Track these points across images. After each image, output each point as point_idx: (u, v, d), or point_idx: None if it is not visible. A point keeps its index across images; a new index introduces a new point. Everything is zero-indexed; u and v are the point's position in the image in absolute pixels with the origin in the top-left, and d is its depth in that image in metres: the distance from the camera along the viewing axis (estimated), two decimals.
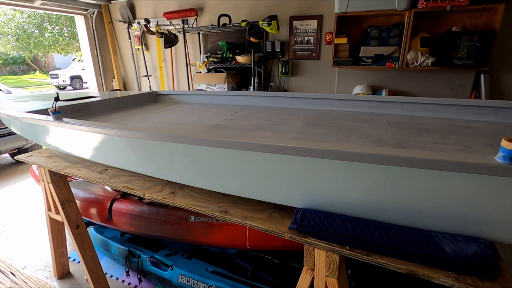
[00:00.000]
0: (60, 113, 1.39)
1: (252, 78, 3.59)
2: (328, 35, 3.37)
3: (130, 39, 4.81)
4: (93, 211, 1.99)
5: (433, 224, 0.82)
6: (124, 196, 1.94)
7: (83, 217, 1.97)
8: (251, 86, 3.70)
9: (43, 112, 1.55)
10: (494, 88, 2.86)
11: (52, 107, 1.38)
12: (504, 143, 0.66)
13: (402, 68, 2.89)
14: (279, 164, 0.92)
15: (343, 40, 3.04)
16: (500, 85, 2.87)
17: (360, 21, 3.13)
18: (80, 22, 4.83)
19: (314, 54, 3.57)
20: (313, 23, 3.45)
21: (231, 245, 1.56)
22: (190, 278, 1.69)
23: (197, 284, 1.67)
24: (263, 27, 3.31)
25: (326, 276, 0.93)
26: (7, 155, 4.49)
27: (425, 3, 2.53)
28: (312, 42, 3.53)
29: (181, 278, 1.72)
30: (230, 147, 0.96)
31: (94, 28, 4.82)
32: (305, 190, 0.93)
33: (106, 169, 1.52)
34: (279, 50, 3.63)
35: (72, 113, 1.76)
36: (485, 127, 1.42)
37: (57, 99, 1.40)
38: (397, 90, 3.23)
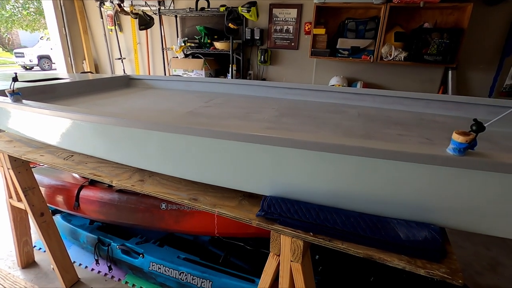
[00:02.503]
0: (19, 95, 1.30)
1: (230, 65, 3.54)
2: (307, 25, 3.37)
3: (102, 18, 4.53)
4: (60, 198, 1.91)
5: (390, 211, 0.86)
6: (93, 183, 1.88)
7: (49, 204, 1.89)
8: (229, 73, 3.65)
9: (0, 93, 1.44)
10: (460, 84, 3.02)
11: (10, 88, 1.29)
12: (455, 136, 0.70)
13: (377, 62, 2.97)
14: (247, 152, 0.93)
15: (322, 31, 3.06)
16: (466, 81, 3.04)
17: (338, 13, 3.16)
18: None
19: (293, 44, 3.56)
20: (293, 12, 3.43)
21: (201, 233, 1.57)
22: (162, 266, 1.69)
23: (168, 271, 1.67)
24: (242, 13, 3.24)
25: (291, 261, 0.97)
26: None
27: None
28: (291, 32, 3.52)
29: (152, 265, 1.71)
30: (200, 135, 0.95)
31: (62, 4, 4.50)
32: (273, 178, 0.95)
33: (72, 155, 1.45)
34: (258, 38, 3.59)
35: (34, 95, 1.66)
36: (448, 121, 1.51)
37: (15, 79, 1.30)
38: (371, 83, 3.32)
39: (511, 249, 2.34)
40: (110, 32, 4.64)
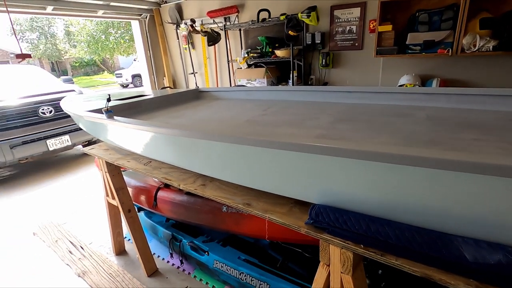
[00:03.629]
0: (111, 112, 1.59)
1: (291, 71, 3.57)
2: (372, 23, 3.17)
3: (178, 39, 5.13)
4: (142, 198, 2.24)
5: (454, 228, 0.77)
6: (167, 186, 2.14)
7: (134, 202, 2.23)
8: (290, 80, 3.68)
9: (99, 111, 1.79)
10: None
11: (105, 107, 1.59)
12: None
13: (457, 55, 2.59)
14: (295, 161, 0.95)
15: (388, 27, 2.84)
16: None
17: (407, 6, 2.88)
18: (135, 26, 5.31)
19: (356, 44, 3.40)
20: (356, 11, 3.28)
21: (254, 236, 1.63)
22: (224, 264, 1.82)
23: (229, 270, 1.78)
24: (302, 19, 3.25)
25: (341, 272, 0.94)
26: (80, 146, 5.22)
27: None
28: (354, 31, 3.36)
29: (216, 263, 1.85)
30: (251, 144, 1.01)
31: (147, 31, 5.26)
32: (321, 187, 0.95)
33: (150, 162, 1.70)
34: (319, 41, 3.54)
35: (123, 111, 1.99)
36: None
37: (108, 99, 1.60)
38: (451, 79, 2.92)
39: None
40: (185, 50, 5.21)
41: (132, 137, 1.59)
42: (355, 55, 3.46)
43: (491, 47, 2.44)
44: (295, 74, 3.61)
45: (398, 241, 0.80)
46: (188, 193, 1.97)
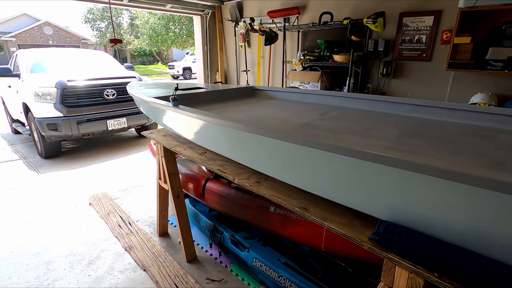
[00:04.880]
0: (177, 101, 1.67)
1: (348, 78, 3.45)
2: (446, 33, 2.92)
3: (235, 36, 5.26)
4: (191, 186, 2.32)
5: None
6: (217, 177, 2.20)
7: (182, 189, 2.32)
8: (345, 86, 3.56)
9: (165, 98, 1.88)
10: None
11: (172, 95, 1.67)
12: None
13: None
14: (366, 171, 0.90)
15: (466, 40, 2.59)
16: None
17: (492, 17, 2.60)
18: (197, 22, 5.56)
19: (424, 55, 3.16)
20: (428, 20, 3.05)
21: (305, 242, 1.59)
22: (263, 264, 1.81)
23: (268, 271, 1.77)
24: (367, 24, 3.12)
25: None
26: (133, 129, 5.62)
27: None
28: (423, 41, 3.13)
29: (255, 261, 1.85)
30: (317, 148, 0.98)
31: (207, 26, 5.47)
32: (394, 202, 0.89)
33: (205, 152, 1.75)
34: (382, 49, 3.36)
35: (184, 101, 2.08)
36: None
37: (176, 89, 1.68)
38: None
39: None
40: (240, 48, 5.32)
41: (193, 126, 1.65)
42: (421, 67, 3.23)
43: None
44: (352, 81, 3.48)
45: (486, 279, 0.71)
46: (237, 188, 2.00)
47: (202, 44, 5.59)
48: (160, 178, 2.23)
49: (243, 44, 5.12)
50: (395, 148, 1.19)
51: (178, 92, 2.12)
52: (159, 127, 4.69)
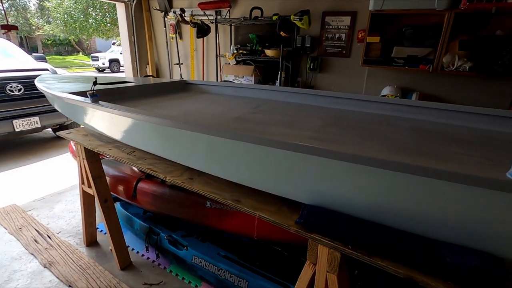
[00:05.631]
0: (96, 96, 1.52)
1: (279, 72, 3.60)
2: (361, 33, 3.28)
3: (165, 27, 4.98)
4: (120, 188, 2.15)
5: (439, 234, 0.82)
6: (149, 177, 2.08)
7: (111, 192, 2.14)
8: (277, 80, 3.71)
9: (82, 94, 1.69)
10: None
11: (91, 90, 1.51)
12: None
13: (437, 72, 2.75)
14: (290, 160, 0.96)
15: (376, 39, 2.95)
16: None
17: (395, 20, 3.01)
18: (120, 9, 5.08)
19: (344, 52, 3.49)
20: (346, 20, 3.37)
21: (241, 233, 1.63)
22: (203, 260, 1.80)
23: (208, 266, 1.77)
24: (294, 21, 3.29)
25: (327, 271, 0.97)
26: (50, 129, 4.91)
27: (467, 4, 2.38)
28: (343, 39, 3.46)
29: (194, 258, 1.83)
30: (245, 141, 1.01)
31: (132, 15, 5.05)
32: (315, 188, 0.97)
33: (134, 151, 1.64)
34: (309, 45, 3.59)
35: (107, 96, 1.90)
36: None
37: (95, 83, 1.53)
38: (429, 94, 3.09)
39: None
40: (171, 40, 5.07)
41: (117, 124, 1.52)
42: (342, 62, 3.56)
43: (467, 68, 2.62)
44: (283, 75, 3.65)
45: (386, 244, 0.84)
46: (171, 186, 1.93)
47: (129, 35, 5.16)
48: (83, 183, 2.01)
49: (174, 36, 4.89)
50: (317, 138, 1.29)
51: (99, 87, 1.93)
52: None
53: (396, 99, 1.83)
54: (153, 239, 2.06)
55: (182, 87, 2.65)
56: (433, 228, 0.82)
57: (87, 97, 1.54)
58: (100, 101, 1.52)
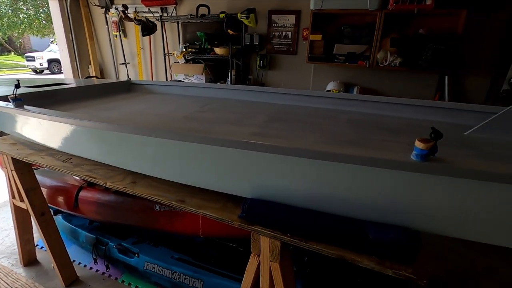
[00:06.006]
0: (20, 101, 1.38)
1: (230, 70, 3.61)
2: (305, 31, 3.42)
3: (107, 24, 4.67)
4: (60, 199, 1.99)
5: (364, 214, 0.90)
6: (92, 185, 1.95)
7: (50, 205, 1.97)
8: (228, 78, 3.72)
9: (3, 98, 1.53)
10: (457, 90, 3.03)
11: (13, 94, 1.37)
12: (417, 143, 0.74)
13: (373, 67, 3.00)
14: (229, 157, 0.98)
15: (318, 37, 3.11)
16: (462, 87, 3.05)
17: (335, 19, 3.21)
18: (54, 5, 4.64)
19: (291, 49, 3.62)
20: (291, 18, 3.49)
21: (188, 233, 1.62)
22: (156, 265, 1.75)
23: (162, 270, 1.73)
24: (241, 19, 3.32)
25: (270, 261, 1.01)
26: None
27: (394, 5, 2.63)
28: (290, 37, 3.58)
29: (147, 265, 1.77)
30: (184, 140, 1.00)
31: (68, 11, 4.64)
32: (255, 181, 1.00)
33: (71, 158, 1.52)
34: (257, 43, 3.66)
35: (36, 100, 1.74)
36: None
37: (17, 86, 1.39)
38: (368, 88, 3.35)
39: (507, 255, 2.33)
40: (115, 38, 4.77)
41: (49, 130, 1.41)
42: (290, 60, 3.69)
43: (398, 63, 2.90)
44: (234, 73, 3.66)
45: (320, 228, 0.90)
46: (116, 192, 1.83)
47: (65, 32, 4.73)
48: (14, 197, 1.82)
49: (117, 33, 4.61)
50: (259, 133, 1.33)
51: (24, 90, 1.75)
52: None
53: (336, 93, 1.95)
54: (101, 250, 1.94)
55: (127, 87, 2.52)
56: (360, 209, 0.90)
57: (8, 101, 1.39)
58: (25, 106, 1.39)
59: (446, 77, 2.94)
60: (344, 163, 0.81)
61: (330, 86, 3.30)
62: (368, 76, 3.33)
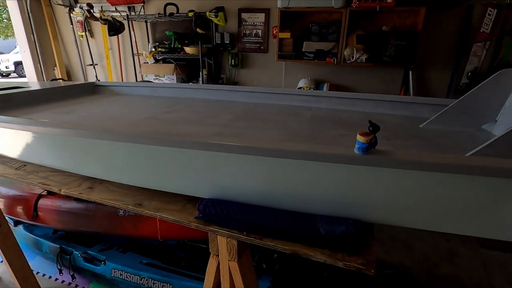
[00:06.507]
0: None
1: (201, 70, 3.57)
2: (275, 29, 3.44)
3: (72, 24, 4.47)
4: (19, 209, 1.89)
5: (315, 208, 0.92)
6: (52, 192, 1.87)
7: (7, 215, 1.87)
8: (200, 78, 3.67)
9: None
10: (420, 84, 3.17)
11: None
12: (358, 137, 0.76)
13: (341, 64, 3.07)
14: (184, 157, 0.96)
15: (287, 35, 3.14)
16: (425, 81, 3.19)
17: (303, 17, 3.25)
18: (12, 4, 4.38)
19: (262, 47, 3.63)
20: (261, 16, 3.50)
21: (148, 237, 1.59)
22: (123, 272, 1.70)
23: (130, 276, 1.68)
24: (210, 18, 3.28)
25: (229, 260, 1.01)
26: None
27: (358, 2, 2.70)
28: (260, 35, 3.59)
29: (114, 272, 1.72)
30: (137, 142, 0.98)
31: (29, 10, 4.40)
32: (211, 181, 0.99)
33: (25, 165, 1.45)
34: (228, 42, 3.63)
35: None
36: (393, 121, 1.59)
37: None
38: (337, 84, 3.43)
39: (468, 240, 2.46)
40: (81, 38, 4.58)
41: None
42: (261, 58, 3.70)
43: (364, 59, 2.98)
44: (205, 72, 3.62)
45: (273, 225, 0.90)
46: (79, 199, 1.76)
47: (27, 33, 4.47)
48: None
49: (83, 33, 4.42)
50: (221, 133, 1.32)
51: None
52: None
53: (301, 91, 1.98)
54: (66, 260, 1.86)
55: (91, 89, 2.43)
56: (312, 204, 0.92)
57: None
58: None
59: (411, 72, 3.06)
60: (291, 159, 0.82)
61: (301, 83, 3.35)
62: (337, 72, 3.40)
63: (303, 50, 3.14)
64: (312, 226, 0.88)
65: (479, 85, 1.40)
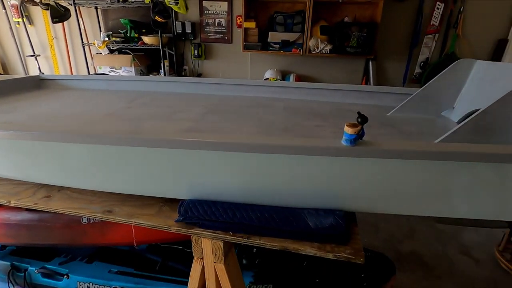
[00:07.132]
0: None
1: (162, 61, 3.36)
2: (239, 18, 3.35)
3: (5, 9, 3.90)
4: None
5: (302, 203, 0.91)
6: None
7: None
8: (161, 69, 3.46)
9: None
10: (380, 73, 3.34)
11: None
12: (345, 128, 0.75)
13: (306, 54, 3.10)
14: (157, 157, 0.88)
15: (252, 24, 3.08)
16: (384, 71, 3.37)
17: (267, 6, 3.21)
18: None
19: (226, 38, 3.52)
20: (224, 5, 3.38)
21: (122, 244, 1.48)
22: (91, 283, 1.56)
23: None
24: (170, 5, 3.08)
25: (214, 262, 0.96)
26: None
27: None
28: (223, 25, 3.47)
29: (80, 285, 1.57)
30: (103, 143, 0.87)
31: None
32: (189, 181, 0.93)
33: None
34: (190, 31, 3.46)
35: None
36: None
37: None
38: (303, 75, 3.47)
39: (425, 217, 2.69)
40: (17, 25, 4.02)
41: None
42: (226, 48, 3.59)
43: (328, 50, 3.04)
44: (167, 63, 3.42)
45: (260, 222, 0.87)
46: (30, 209, 1.55)
47: None
48: None
49: (20, 20, 3.89)
50: (195, 128, 1.25)
51: None
52: None
53: (271, 82, 1.95)
54: (19, 278, 1.65)
55: (36, 84, 2.15)
56: (295, 198, 0.90)
57: None
58: None
59: (370, 62, 3.20)
60: (277, 153, 0.79)
61: (268, 74, 3.32)
62: (302, 63, 3.44)
63: (268, 40, 3.10)
64: (301, 221, 0.86)
65: (438, 75, 1.50)
